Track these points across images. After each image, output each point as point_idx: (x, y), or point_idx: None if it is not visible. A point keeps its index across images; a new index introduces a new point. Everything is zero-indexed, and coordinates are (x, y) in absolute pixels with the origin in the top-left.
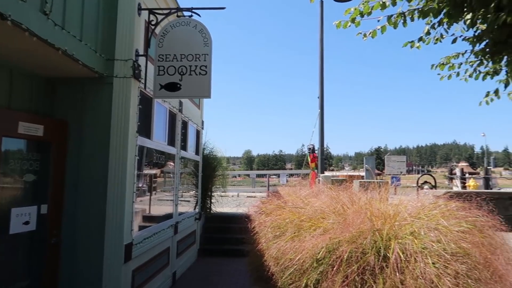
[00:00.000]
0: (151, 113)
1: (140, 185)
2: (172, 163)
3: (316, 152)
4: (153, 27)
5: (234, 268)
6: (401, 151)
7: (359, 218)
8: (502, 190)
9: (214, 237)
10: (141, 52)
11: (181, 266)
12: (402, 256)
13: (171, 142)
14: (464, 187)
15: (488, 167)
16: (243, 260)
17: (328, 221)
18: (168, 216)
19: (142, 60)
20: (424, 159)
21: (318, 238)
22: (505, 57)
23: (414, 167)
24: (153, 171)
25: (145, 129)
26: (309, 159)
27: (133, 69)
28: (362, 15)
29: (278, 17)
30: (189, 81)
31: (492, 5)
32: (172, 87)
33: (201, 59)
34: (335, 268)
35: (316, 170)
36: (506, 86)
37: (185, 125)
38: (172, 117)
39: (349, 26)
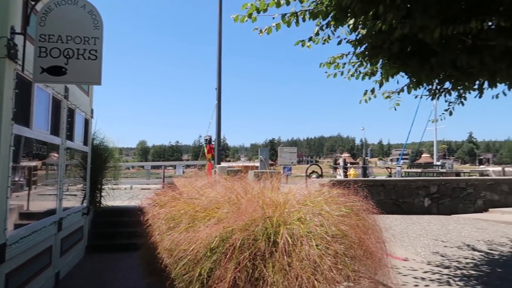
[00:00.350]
0: (31, 99)
1: (16, 179)
2: (56, 154)
3: (212, 143)
4: (33, 2)
5: (126, 263)
6: (293, 143)
7: (251, 206)
8: (376, 178)
9: (104, 232)
10: (18, 30)
11: (66, 265)
12: (290, 240)
13: (55, 131)
14: (346, 175)
15: (366, 158)
16: (136, 254)
17: (222, 210)
18: (51, 212)
19: (19, 39)
20: (313, 150)
21: (212, 227)
22: (381, 60)
23: (304, 158)
24: (33, 163)
25: (23, 116)
26: (205, 150)
27: (7, 48)
28: (258, 11)
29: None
30: (76, 65)
31: (371, 13)
32: (56, 71)
33: (90, 43)
34: (228, 256)
35: (212, 161)
36: (380, 86)
37: (71, 113)
38: (56, 104)
39: (246, 20)
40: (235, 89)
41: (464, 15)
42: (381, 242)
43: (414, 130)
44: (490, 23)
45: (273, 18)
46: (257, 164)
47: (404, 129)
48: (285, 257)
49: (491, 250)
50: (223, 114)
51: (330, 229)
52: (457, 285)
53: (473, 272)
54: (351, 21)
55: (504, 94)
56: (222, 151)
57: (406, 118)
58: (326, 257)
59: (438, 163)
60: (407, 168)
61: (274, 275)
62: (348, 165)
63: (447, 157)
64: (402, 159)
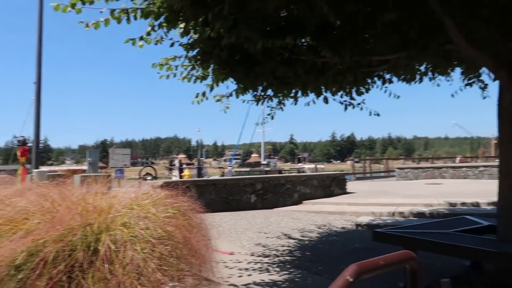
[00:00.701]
0: None
1: None
2: None
3: (29, 144)
4: None
5: None
6: (127, 144)
7: (69, 214)
8: (210, 178)
9: None
10: None
11: None
12: (113, 247)
13: None
14: (181, 176)
15: (201, 158)
16: None
17: (33, 221)
18: None
19: None
20: (149, 151)
21: (18, 241)
22: (212, 65)
23: (139, 160)
24: None
25: None
26: (18, 153)
27: None
28: (83, 2)
29: None
30: None
31: (200, 19)
32: None
33: None
34: (38, 272)
35: (28, 165)
36: (211, 90)
37: None
38: None
39: (69, 11)
40: (62, 85)
41: (282, 31)
42: (206, 240)
43: (246, 132)
44: (303, 41)
45: (101, 12)
46: (85, 167)
47: (237, 131)
48: (106, 265)
49: (303, 236)
50: (44, 112)
51: (156, 231)
52: (275, 270)
53: (288, 257)
54: (182, 25)
55: (314, 102)
56: (42, 153)
57: (239, 120)
58: (151, 260)
59: (265, 162)
60: (238, 167)
61: (94, 285)
62: (184, 166)
63: (272, 156)
64: (234, 159)
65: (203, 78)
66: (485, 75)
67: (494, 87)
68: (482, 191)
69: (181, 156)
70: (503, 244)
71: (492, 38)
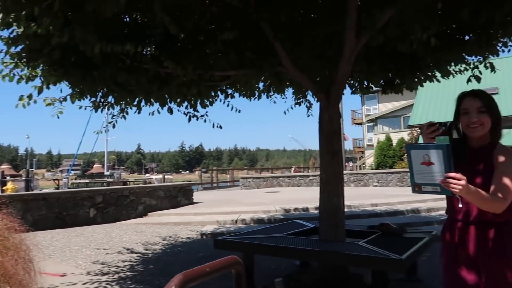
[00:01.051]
0: None
1: None
2: None
3: None
4: None
5: None
6: None
7: None
8: (42, 191)
9: None
10: None
11: None
12: None
13: None
14: (3, 190)
15: (31, 169)
16: None
17: None
18: None
19: None
20: None
21: None
22: (41, 65)
23: None
24: None
25: None
26: None
27: None
28: None
29: None
30: None
31: (24, 13)
32: None
33: None
34: None
35: None
36: (39, 92)
37: None
38: None
39: None
40: None
41: (124, 37)
42: (27, 262)
43: (88, 141)
44: (148, 49)
45: None
46: None
47: (78, 139)
48: None
49: (146, 250)
50: None
51: None
52: None
53: (129, 273)
54: (0, 16)
55: (159, 112)
56: None
57: (80, 127)
58: None
59: (108, 173)
60: (76, 179)
61: None
62: (8, 178)
63: (116, 167)
64: (73, 169)
65: (30, 78)
66: (310, 96)
67: (318, 107)
68: (311, 197)
69: (5, 166)
70: (324, 244)
71: (314, 65)
